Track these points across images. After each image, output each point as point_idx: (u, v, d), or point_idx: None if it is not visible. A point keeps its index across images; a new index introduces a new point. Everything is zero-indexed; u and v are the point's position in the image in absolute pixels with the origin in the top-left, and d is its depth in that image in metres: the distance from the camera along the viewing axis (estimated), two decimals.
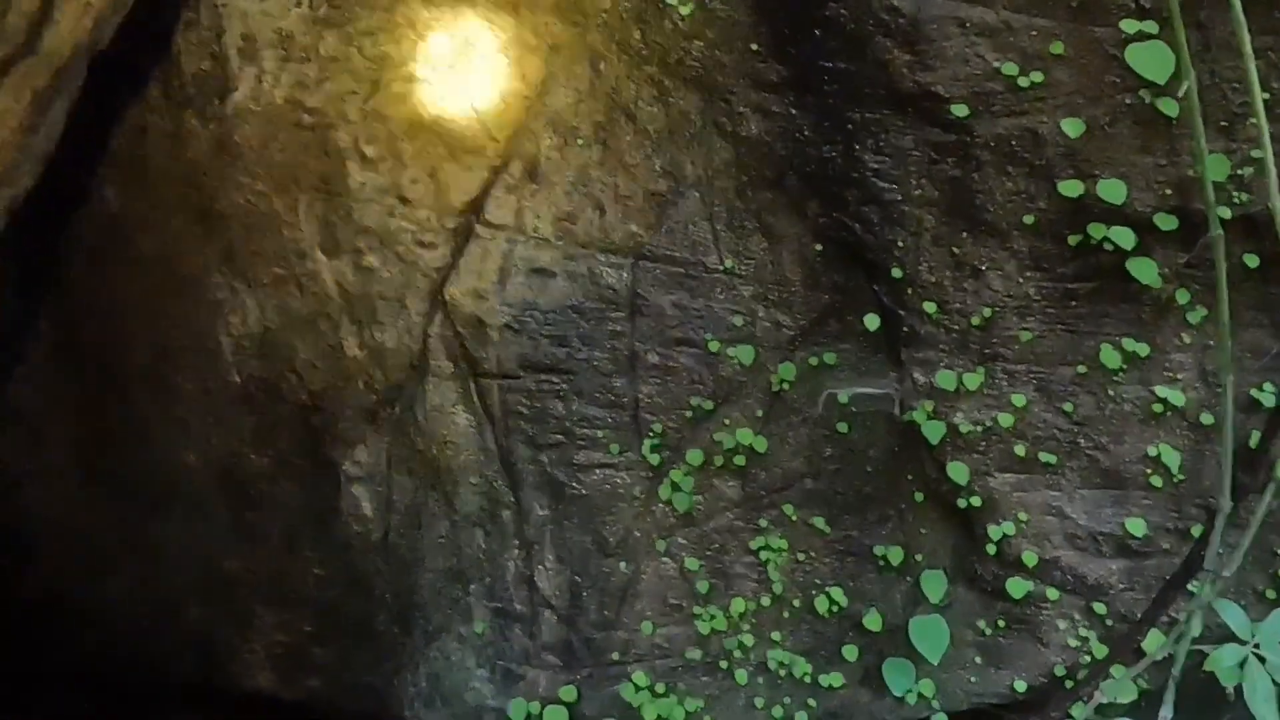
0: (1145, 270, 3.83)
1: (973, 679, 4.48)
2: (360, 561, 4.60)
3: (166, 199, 4.62)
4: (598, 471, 4.41)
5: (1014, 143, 3.87)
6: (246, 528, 4.74)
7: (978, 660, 4.48)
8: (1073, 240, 3.90)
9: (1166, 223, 3.97)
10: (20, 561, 5.12)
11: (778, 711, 4.56)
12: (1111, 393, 4.10)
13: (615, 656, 4.50)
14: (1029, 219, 3.92)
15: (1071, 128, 3.77)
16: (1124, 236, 3.82)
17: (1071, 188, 3.79)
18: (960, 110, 3.85)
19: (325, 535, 4.62)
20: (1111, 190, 3.79)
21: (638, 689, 4.55)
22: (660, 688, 4.54)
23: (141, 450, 4.84)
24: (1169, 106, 3.84)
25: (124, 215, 4.71)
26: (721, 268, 4.28)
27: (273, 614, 4.76)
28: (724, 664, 4.53)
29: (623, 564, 4.45)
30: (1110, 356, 3.99)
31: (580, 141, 4.26)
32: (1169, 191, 4.00)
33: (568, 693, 4.54)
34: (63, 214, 4.76)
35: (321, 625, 4.72)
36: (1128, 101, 3.87)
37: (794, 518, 4.44)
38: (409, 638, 4.63)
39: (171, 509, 4.81)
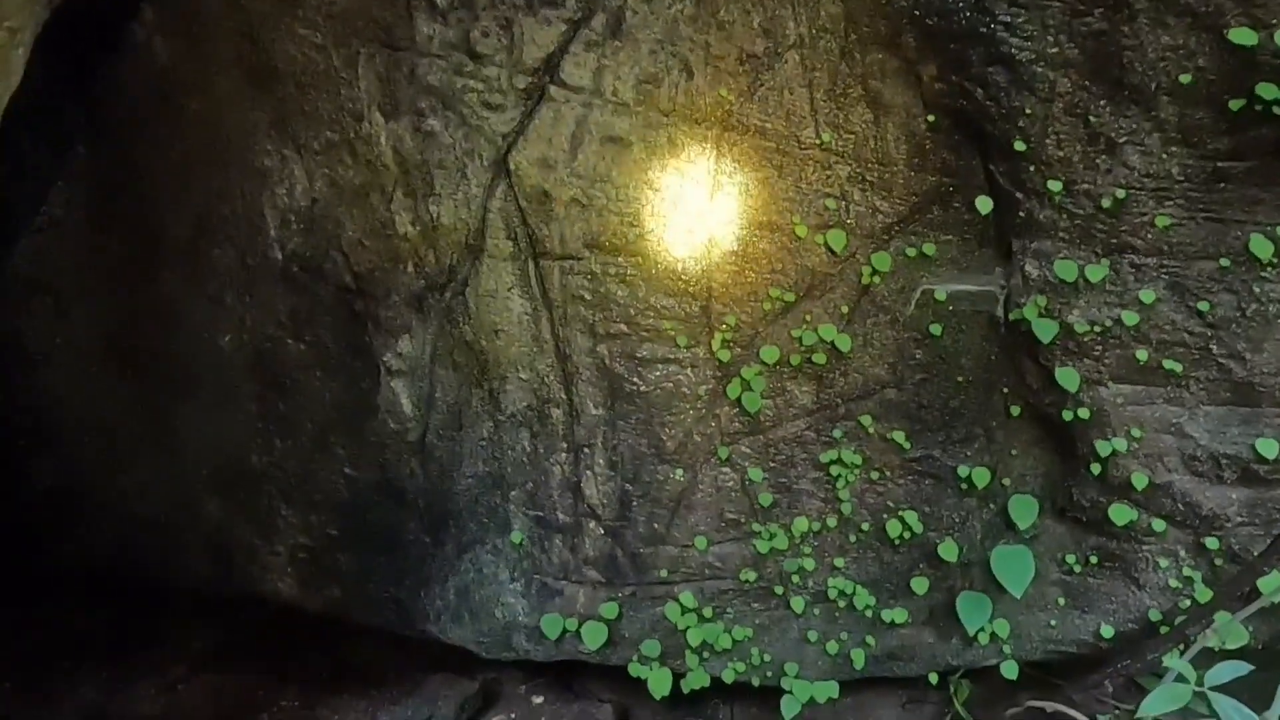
0: None
1: (1052, 622, 3.50)
2: (394, 463, 3.81)
3: (219, 53, 3.76)
4: (660, 367, 3.42)
5: None
6: (276, 420, 3.95)
7: (1060, 601, 3.50)
8: (1234, 105, 2.97)
9: None
10: (35, 447, 4.21)
11: (832, 647, 3.56)
12: (1257, 290, 3.15)
13: (662, 574, 3.58)
14: (1185, 78, 2.92)
15: None
16: None
17: (1244, 36, 2.89)
18: None
19: (359, 433, 3.81)
20: None
21: (684, 610, 3.63)
22: (708, 611, 3.61)
23: (170, 330, 3.96)
24: None
25: (172, 69, 3.79)
26: (817, 142, 3.32)
27: (297, 515, 4.02)
28: (779, 589, 3.55)
29: (679, 472, 3.45)
30: (1261, 247, 3.08)
31: None
32: None
33: (609, 609, 3.61)
34: (105, 62, 3.69)
35: (347, 530, 4.00)
36: None
37: (871, 430, 3.46)
38: (440, 548, 3.90)
39: (197, 396, 3.92)
